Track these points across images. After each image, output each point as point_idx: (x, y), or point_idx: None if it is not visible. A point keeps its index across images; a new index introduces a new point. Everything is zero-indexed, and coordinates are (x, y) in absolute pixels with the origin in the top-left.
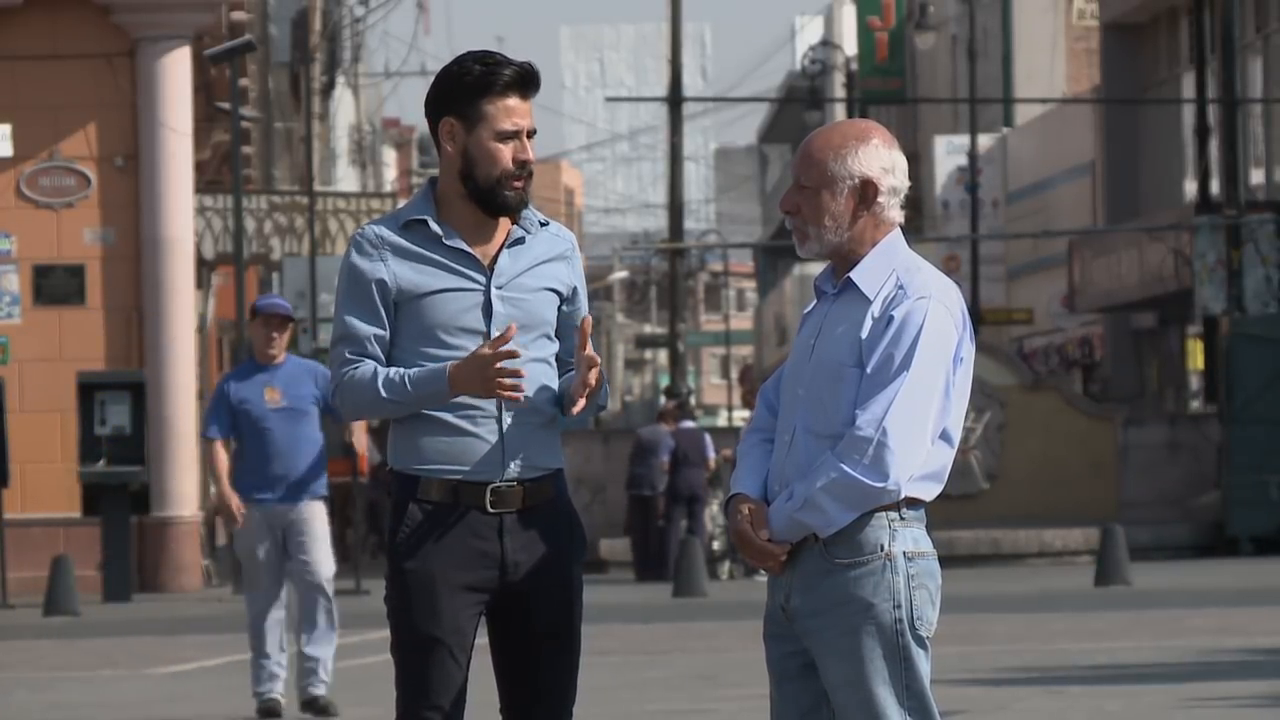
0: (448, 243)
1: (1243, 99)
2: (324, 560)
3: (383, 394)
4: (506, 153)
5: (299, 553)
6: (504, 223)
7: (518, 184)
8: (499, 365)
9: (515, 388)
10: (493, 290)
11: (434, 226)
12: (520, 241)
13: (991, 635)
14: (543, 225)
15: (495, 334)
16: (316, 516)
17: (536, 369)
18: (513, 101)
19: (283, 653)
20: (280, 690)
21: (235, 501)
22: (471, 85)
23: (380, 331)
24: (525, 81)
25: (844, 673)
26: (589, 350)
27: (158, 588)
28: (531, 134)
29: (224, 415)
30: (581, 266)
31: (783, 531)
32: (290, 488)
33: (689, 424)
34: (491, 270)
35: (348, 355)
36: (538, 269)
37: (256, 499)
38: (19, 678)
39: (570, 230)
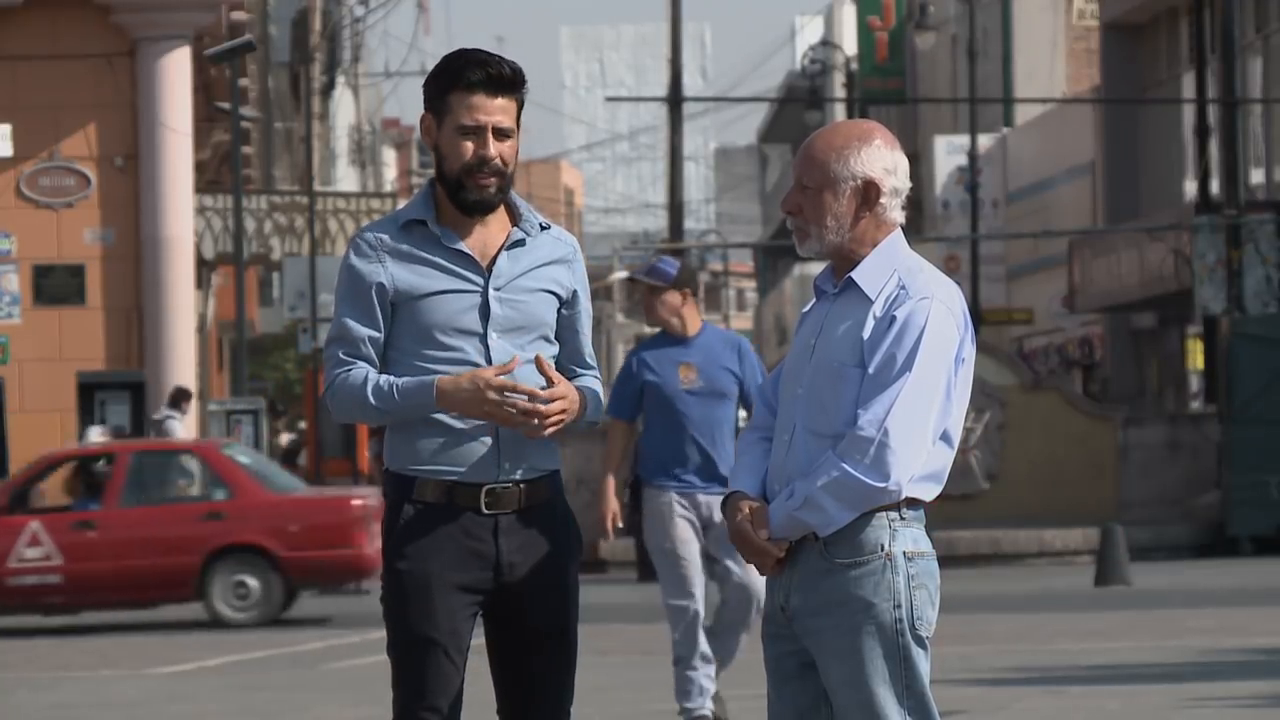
0: (446, 244)
1: (1243, 99)
2: (759, 579)
3: (372, 401)
4: (468, 147)
5: (727, 555)
6: (505, 224)
7: (482, 181)
8: (498, 398)
9: (525, 422)
10: (490, 291)
11: (432, 228)
12: (520, 244)
13: (991, 635)
14: (544, 229)
15: (493, 334)
16: None
17: (534, 371)
18: (478, 98)
19: (710, 664)
20: (711, 707)
21: (612, 507)
22: (441, 80)
23: (375, 334)
24: (493, 79)
25: (844, 673)
26: (552, 388)
27: None
28: (502, 133)
29: (630, 394)
30: (584, 271)
31: (782, 529)
32: (714, 474)
33: None
34: (490, 271)
35: (342, 356)
36: (537, 271)
37: (673, 485)
38: (19, 678)
39: (570, 231)
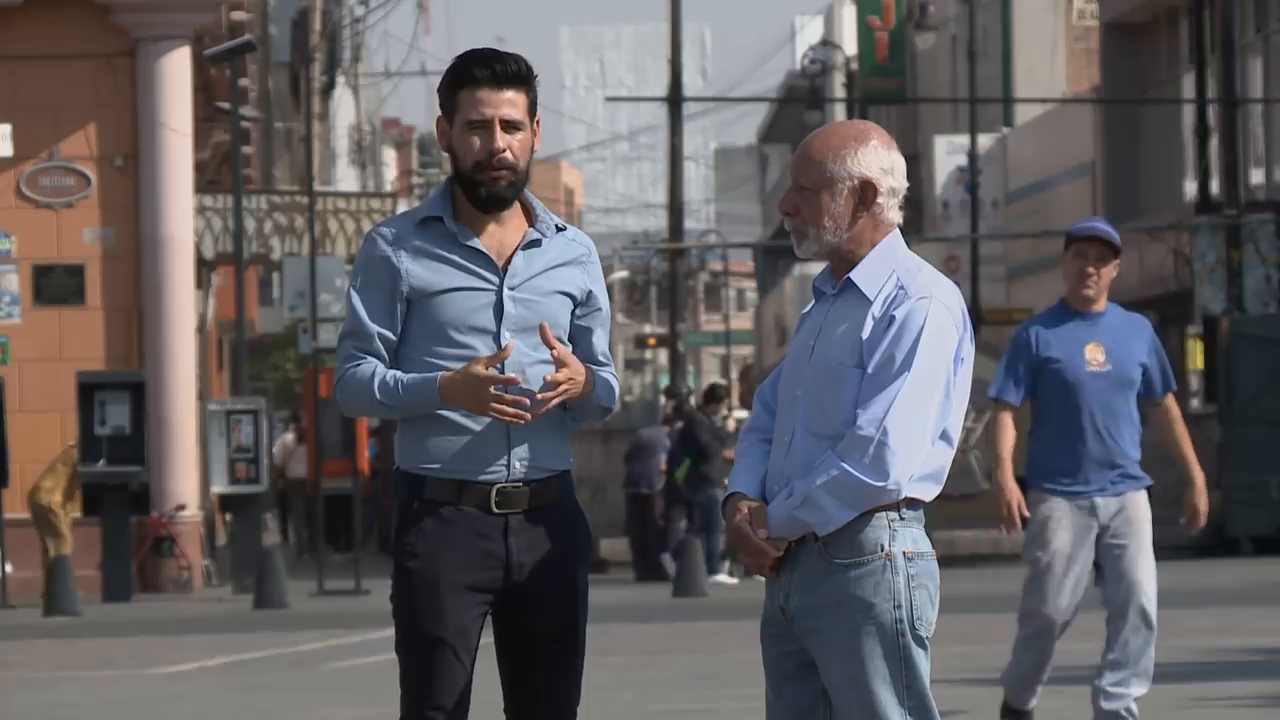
0: (463, 241)
1: (1243, 99)
2: (1148, 576)
3: (377, 396)
4: (476, 142)
5: (1116, 563)
6: (521, 225)
7: (494, 175)
8: (494, 389)
9: (516, 414)
10: (505, 290)
11: (449, 225)
12: (536, 244)
13: (991, 635)
14: (560, 230)
15: (506, 333)
16: (1142, 513)
17: (545, 371)
18: (483, 92)
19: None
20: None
21: (1014, 498)
22: (449, 80)
23: (386, 330)
24: (496, 72)
25: (844, 673)
26: (558, 349)
27: (158, 588)
28: (512, 125)
29: (1022, 372)
30: (600, 271)
31: (780, 528)
32: (1111, 475)
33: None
34: (505, 270)
35: (353, 350)
36: (552, 272)
37: (1061, 489)
38: (19, 678)
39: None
